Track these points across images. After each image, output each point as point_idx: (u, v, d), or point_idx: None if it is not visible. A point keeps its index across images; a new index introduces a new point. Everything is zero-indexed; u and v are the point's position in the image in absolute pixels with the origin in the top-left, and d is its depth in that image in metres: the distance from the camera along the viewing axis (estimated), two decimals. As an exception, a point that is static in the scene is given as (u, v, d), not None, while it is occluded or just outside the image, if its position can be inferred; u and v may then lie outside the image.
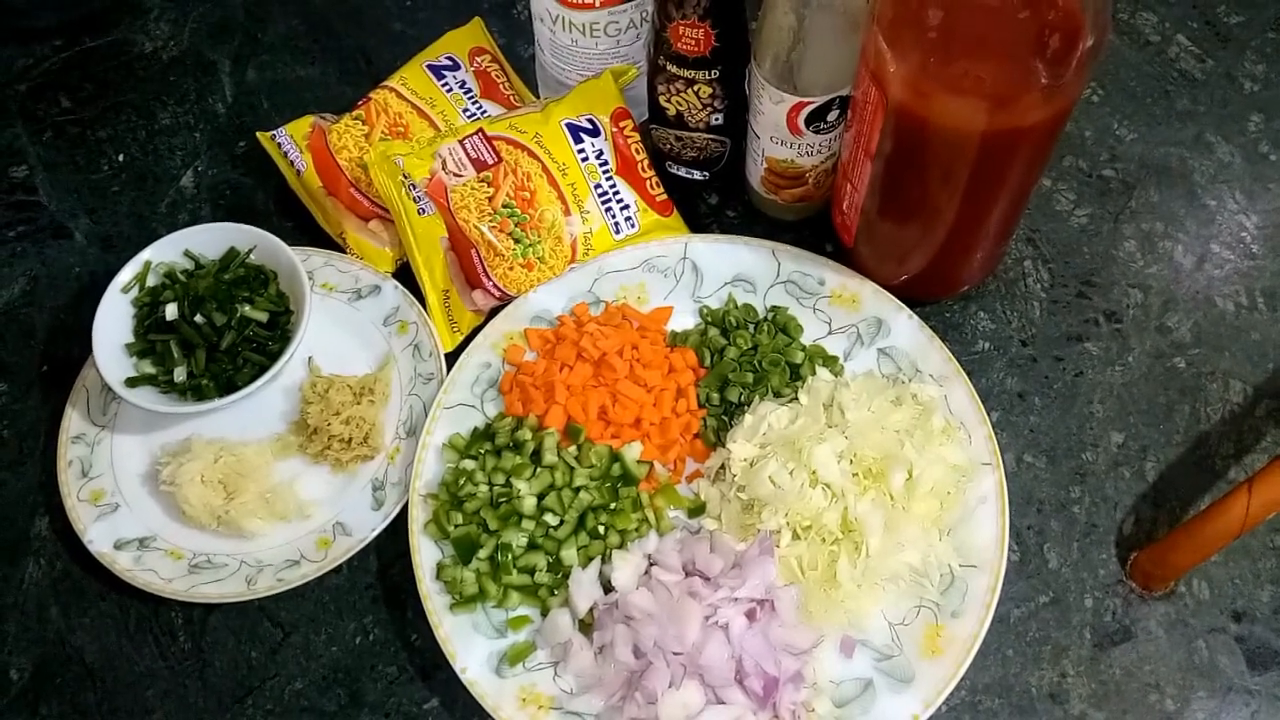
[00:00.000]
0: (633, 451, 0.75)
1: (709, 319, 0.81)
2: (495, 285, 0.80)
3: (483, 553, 0.71)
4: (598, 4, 0.79)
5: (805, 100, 0.74)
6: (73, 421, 0.79)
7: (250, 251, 0.80)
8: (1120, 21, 0.98)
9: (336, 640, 0.73)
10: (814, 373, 0.77)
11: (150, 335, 0.78)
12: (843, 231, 0.81)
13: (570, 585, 0.70)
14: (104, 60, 1.01)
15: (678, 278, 0.82)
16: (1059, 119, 0.66)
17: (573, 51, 0.83)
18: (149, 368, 0.78)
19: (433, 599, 0.70)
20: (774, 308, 0.80)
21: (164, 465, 0.76)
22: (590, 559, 0.71)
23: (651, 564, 0.71)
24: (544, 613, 0.70)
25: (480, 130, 0.80)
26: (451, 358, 0.80)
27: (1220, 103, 0.94)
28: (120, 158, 0.95)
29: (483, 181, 0.79)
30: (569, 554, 0.71)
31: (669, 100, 0.80)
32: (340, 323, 0.82)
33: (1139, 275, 0.85)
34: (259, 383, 0.75)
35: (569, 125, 0.82)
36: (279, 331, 0.79)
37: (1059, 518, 0.76)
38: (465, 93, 0.88)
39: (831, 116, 0.75)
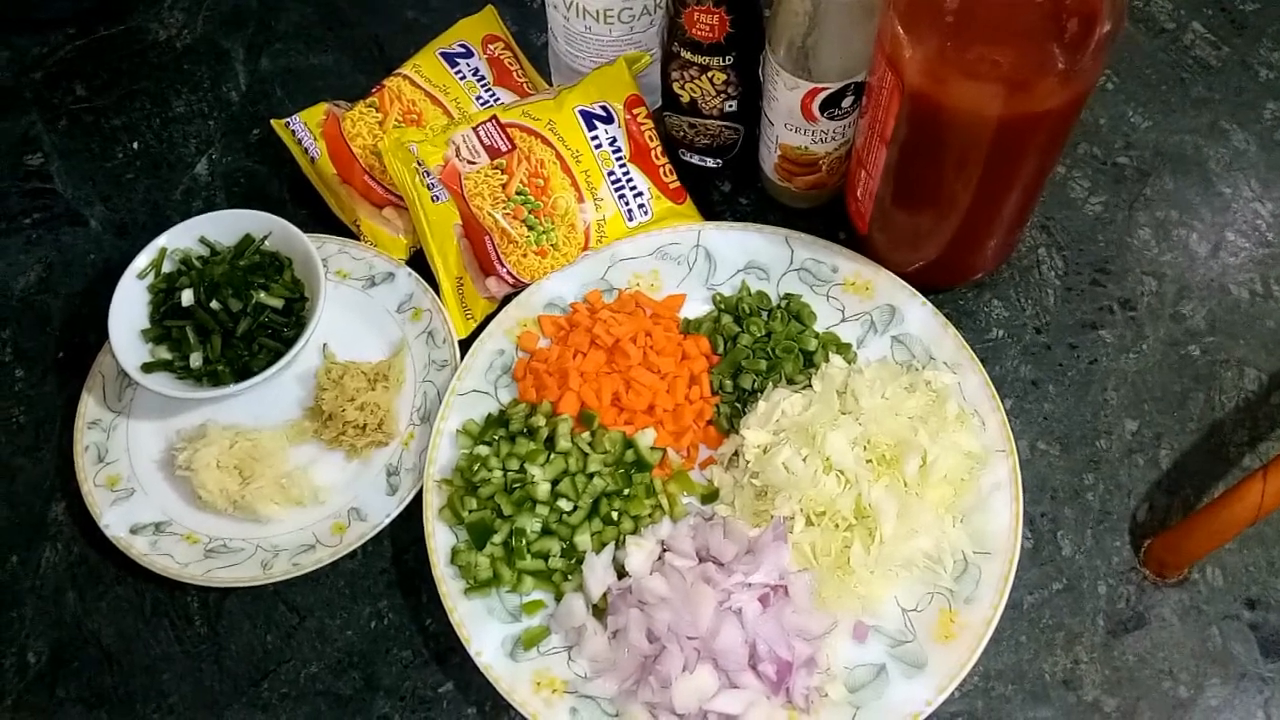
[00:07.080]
0: (646, 438, 0.75)
1: (722, 306, 0.81)
2: (509, 272, 0.80)
3: (497, 538, 0.71)
4: (611, -10, 0.79)
5: (820, 86, 0.73)
6: (89, 407, 0.79)
7: (265, 238, 0.81)
8: (1135, 8, 0.98)
9: (351, 624, 0.73)
10: (827, 360, 0.77)
11: (166, 321, 0.79)
12: (856, 219, 0.80)
13: (584, 570, 0.70)
14: (118, 48, 1.01)
15: (691, 265, 0.82)
16: (1075, 105, 0.65)
17: (586, 38, 0.83)
18: (165, 353, 0.78)
19: (447, 583, 0.70)
20: (787, 295, 0.80)
21: (180, 450, 0.76)
22: (604, 544, 0.71)
23: (665, 550, 0.71)
24: (558, 597, 0.71)
25: (494, 117, 0.80)
26: (465, 344, 0.80)
27: (1235, 90, 0.93)
28: (135, 145, 0.95)
29: (496, 168, 0.79)
30: (583, 539, 0.71)
31: (683, 87, 0.80)
32: (354, 309, 0.82)
33: (1153, 263, 0.85)
34: (274, 369, 0.75)
35: (582, 112, 0.82)
36: (294, 318, 0.79)
37: (1073, 505, 0.75)
38: (479, 80, 0.88)
39: (846, 103, 0.75)
